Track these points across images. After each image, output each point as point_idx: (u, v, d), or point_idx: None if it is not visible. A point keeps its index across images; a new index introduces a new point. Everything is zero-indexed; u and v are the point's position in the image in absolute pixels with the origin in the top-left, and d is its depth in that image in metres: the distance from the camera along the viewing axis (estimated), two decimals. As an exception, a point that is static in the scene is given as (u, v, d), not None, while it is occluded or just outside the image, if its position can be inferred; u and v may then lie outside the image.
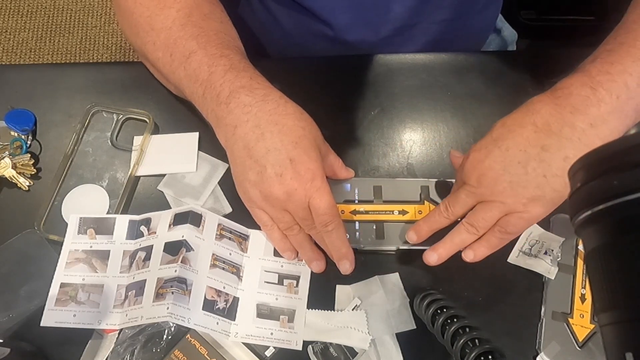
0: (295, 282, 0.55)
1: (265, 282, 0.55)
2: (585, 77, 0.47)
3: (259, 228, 0.56)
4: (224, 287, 0.54)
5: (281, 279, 0.55)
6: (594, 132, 0.45)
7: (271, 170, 0.49)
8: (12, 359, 0.49)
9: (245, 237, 0.57)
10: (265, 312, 0.54)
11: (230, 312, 0.53)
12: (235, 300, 0.54)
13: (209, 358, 0.51)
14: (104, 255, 0.56)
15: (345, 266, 0.53)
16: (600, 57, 0.48)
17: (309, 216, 0.50)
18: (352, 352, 0.52)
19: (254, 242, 0.57)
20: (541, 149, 0.46)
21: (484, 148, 0.49)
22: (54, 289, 0.54)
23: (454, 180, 0.58)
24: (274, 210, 0.52)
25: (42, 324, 0.53)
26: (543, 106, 0.47)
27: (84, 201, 0.60)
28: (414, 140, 0.62)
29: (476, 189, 0.49)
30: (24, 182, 0.60)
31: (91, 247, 0.56)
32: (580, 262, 0.56)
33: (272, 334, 0.53)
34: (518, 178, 0.46)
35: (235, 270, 0.55)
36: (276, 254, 0.56)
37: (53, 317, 0.53)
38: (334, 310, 0.54)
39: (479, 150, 0.49)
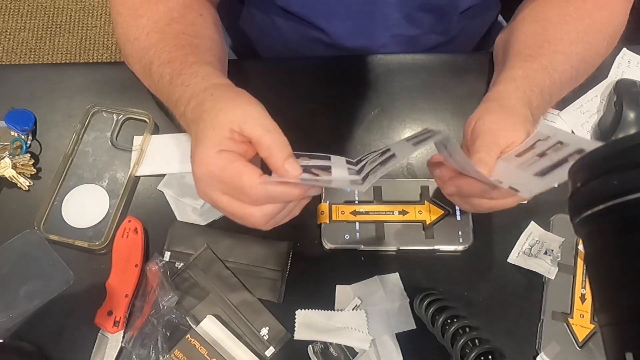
0: None
1: None
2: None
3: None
4: None
5: None
6: None
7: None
8: (12, 359, 0.49)
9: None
10: None
11: None
12: None
13: (209, 358, 0.51)
14: None
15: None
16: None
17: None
18: (352, 352, 0.52)
19: None
20: None
21: None
22: None
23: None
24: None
25: None
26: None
27: (84, 201, 0.60)
28: (414, 140, 0.62)
29: None
30: (24, 182, 0.60)
31: None
32: (580, 262, 0.56)
33: None
34: None
35: None
36: None
37: None
38: (334, 310, 0.54)
39: None
